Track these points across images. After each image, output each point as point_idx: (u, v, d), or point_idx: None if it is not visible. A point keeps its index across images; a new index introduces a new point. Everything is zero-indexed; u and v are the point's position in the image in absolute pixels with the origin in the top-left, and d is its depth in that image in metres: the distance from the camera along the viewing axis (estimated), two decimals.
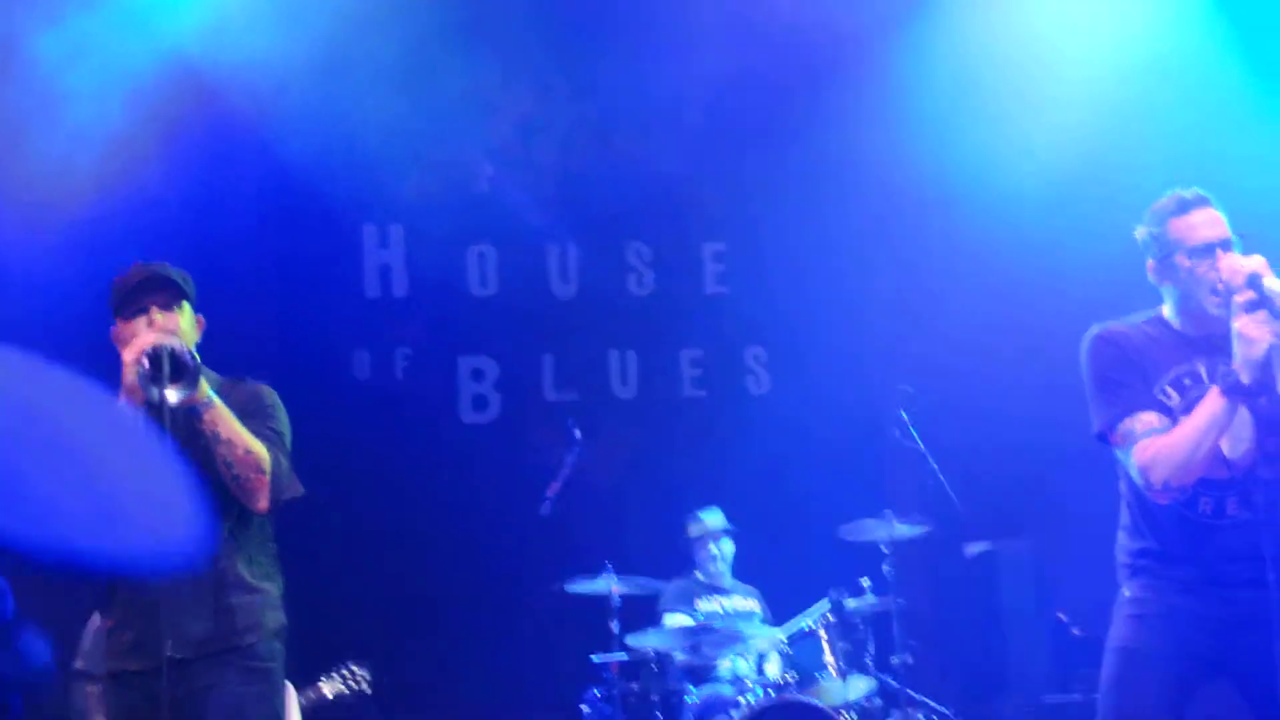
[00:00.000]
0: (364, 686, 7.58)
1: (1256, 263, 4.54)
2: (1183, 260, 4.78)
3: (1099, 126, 9.57)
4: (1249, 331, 4.45)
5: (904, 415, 9.25)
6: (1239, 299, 4.50)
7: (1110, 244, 5.28)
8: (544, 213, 10.64)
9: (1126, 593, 4.94)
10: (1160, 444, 4.66)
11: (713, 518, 9.51)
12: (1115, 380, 4.83)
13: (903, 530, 8.78)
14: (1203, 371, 4.78)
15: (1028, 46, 9.89)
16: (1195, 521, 4.76)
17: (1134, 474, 4.74)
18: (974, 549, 9.96)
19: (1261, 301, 4.46)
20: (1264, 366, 4.46)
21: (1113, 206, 5.23)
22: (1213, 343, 4.71)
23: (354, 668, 7.57)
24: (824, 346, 10.43)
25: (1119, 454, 4.83)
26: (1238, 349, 4.49)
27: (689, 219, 10.96)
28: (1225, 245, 4.73)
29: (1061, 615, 9.45)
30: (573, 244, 10.90)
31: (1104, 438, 4.85)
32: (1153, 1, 9.85)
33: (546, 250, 10.90)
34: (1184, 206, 4.83)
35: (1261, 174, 8.15)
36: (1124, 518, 4.98)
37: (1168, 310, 4.92)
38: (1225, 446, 4.66)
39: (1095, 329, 4.96)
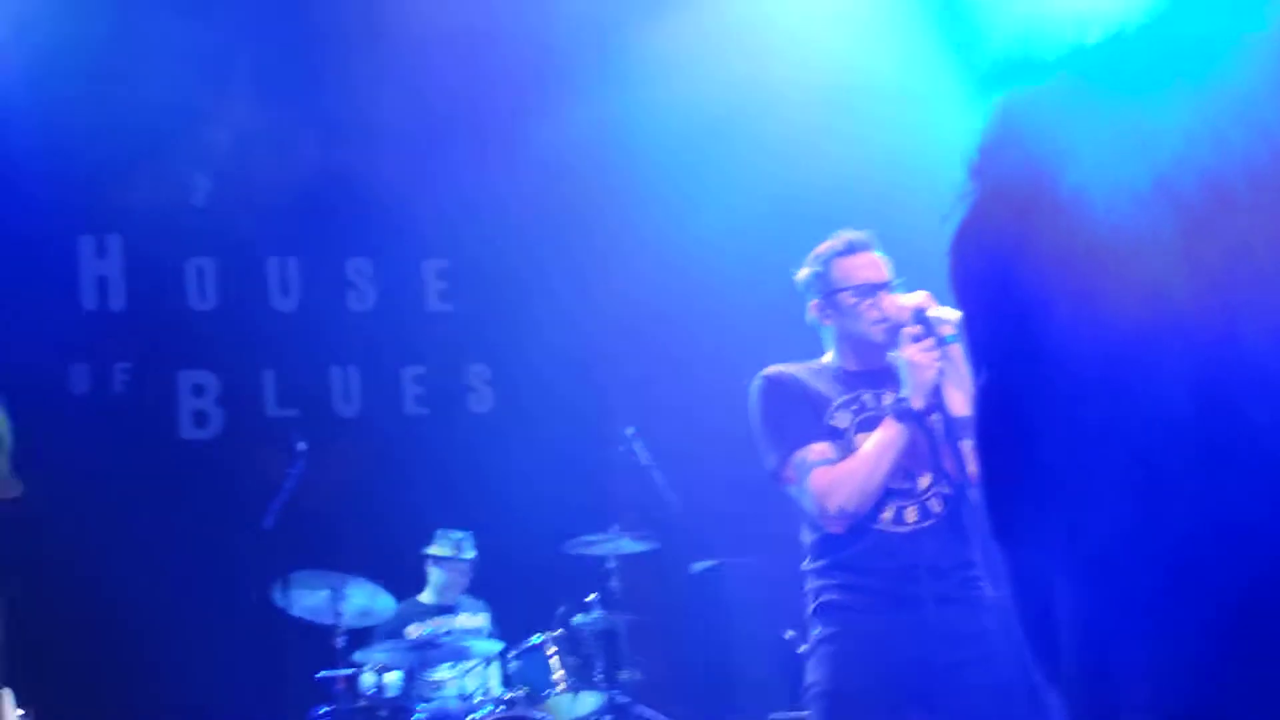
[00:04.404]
0: None
1: (920, 297, 4.87)
2: (847, 298, 5.03)
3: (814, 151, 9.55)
4: (919, 359, 4.81)
5: (630, 431, 9.25)
6: (908, 331, 4.84)
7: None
8: (263, 226, 10.40)
9: (817, 631, 4.98)
10: (835, 471, 4.85)
11: (461, 539, 9.44)
12: (784, 416, 5.01)
13: (629, 546, 8.81)
14: (869, 400, 5.00)
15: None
16: (879, 532, 4.86)
17: (809, 503, 4.89)
18: (700, 565, 9.98)
19: (928, 332, 4.80)
20: (934, 391, 4.79)
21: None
22: (875, 376, 5.00)
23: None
24: (548, 363, 10.38)
25: (792, 490, 4.96)
26: (908, 377, 4.84)
27: (411, 235, 10.83)
28: (887, 288, 5.02)
29: (789, 634, 9.48)
30: (293, 258, 10.69)
31: (777, 475, 4.98)
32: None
33: (266, 264, 10.68)
34: (850, 248, 5.09)
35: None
36: (808, 557, 5.05)
37: (830, 354, 5.15)
38: (907, 464, 4.88)
39: (762, 373, 5.14)
